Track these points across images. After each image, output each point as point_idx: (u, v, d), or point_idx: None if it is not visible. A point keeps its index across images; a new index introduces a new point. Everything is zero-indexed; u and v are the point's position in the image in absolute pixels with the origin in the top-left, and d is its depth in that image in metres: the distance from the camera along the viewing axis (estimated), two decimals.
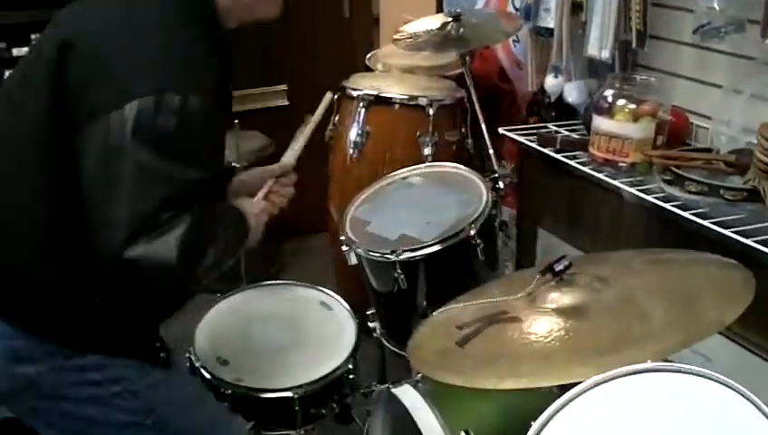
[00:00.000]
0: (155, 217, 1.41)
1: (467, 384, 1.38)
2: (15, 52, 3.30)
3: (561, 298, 1.53)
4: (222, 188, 1.83)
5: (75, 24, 1.60)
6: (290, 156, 2.04)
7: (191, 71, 1.50)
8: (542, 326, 1.46)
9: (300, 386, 1.98)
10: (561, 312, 1.49)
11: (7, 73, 3.23)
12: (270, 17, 1.77)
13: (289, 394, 1.97)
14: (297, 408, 1.98)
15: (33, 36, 3.29)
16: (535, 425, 1.18)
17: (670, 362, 1.67)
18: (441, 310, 1.72)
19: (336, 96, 2.94)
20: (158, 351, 1.73)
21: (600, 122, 2.14)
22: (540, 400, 1.26)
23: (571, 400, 1.19)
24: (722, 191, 1.85)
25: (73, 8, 1.64)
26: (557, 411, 1.19)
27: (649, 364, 1.21)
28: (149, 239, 1.39)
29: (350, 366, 2.07)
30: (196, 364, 2.01)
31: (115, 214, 1.41)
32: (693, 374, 1.17)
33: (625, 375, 1.20)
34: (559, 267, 1.50)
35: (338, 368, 2.05)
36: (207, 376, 1.98)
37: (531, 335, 1.44)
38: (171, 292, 1.67)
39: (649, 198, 2.01)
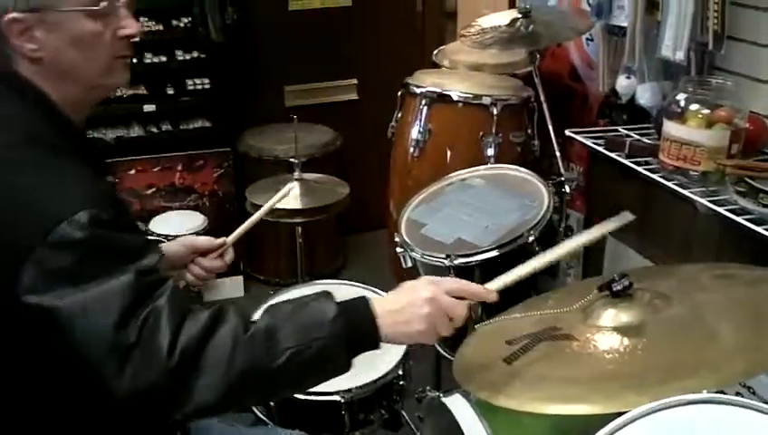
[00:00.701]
0: (122, 342, 1.23)
1: (512, 406, 1.32)
2: None
3: (617, 316, 1.45)
4: None
5: None
6: (231, 237, 1.91)
7: (63, 194, 1.31)
8: (595, 346, 1.38)
9: (348, 390, 1.94)
10: (617, 331, 1.41)
11: None
12: (122, 85, 1.60)
13: (337, 398, 1.94)
14: (345, 413, 1.95)
15: None
16: None
17: (744, 386, 1.58)
18: (491, 321, 1.65)
19: (400, 93, 2.91)
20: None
21: (670, 128, 2.03)
22: (595, 420, 1.19)
23: (619, 428, 1.12)
24: None
25: None
26: None
27: (704, 395, 1.13)
28: (138, 361, 1.23)
29: (400, 372, 2.02)
30: None
31: (94, 364, 1.24)
32: (751, 409, 1.08)
33: (677, 405, 1.11)
34: (617, 287, 1.42)
35: (388, 373, 2.00)
36: None
37: (582, 356, 1.37)
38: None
39: (721, 209, 1.90)
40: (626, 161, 2.24)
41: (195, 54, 3.48)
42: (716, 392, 1.15)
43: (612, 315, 1.45)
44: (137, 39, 1.50)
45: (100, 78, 1.47)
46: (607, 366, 1.34)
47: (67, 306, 1.23)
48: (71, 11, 1.39)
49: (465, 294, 1.41)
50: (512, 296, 1.86)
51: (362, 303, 1.38)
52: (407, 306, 1.38)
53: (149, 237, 1.41)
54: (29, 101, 1.42)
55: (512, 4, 3.32)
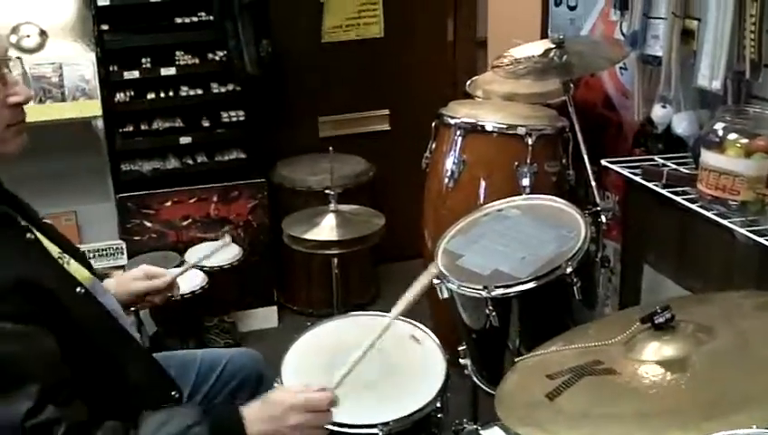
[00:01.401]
0: None
1: None
2: (127, 75, 3.39)
3: (660, 349, 1.43)
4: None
5: None
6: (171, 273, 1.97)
7: None
8: (638, 381, 1.37)
9: (386, 423, 1.91)
10: (660, 365, 1.40)
11: (119, 96, 3.37)
12: (16, 152, 1.55)
13: (375, 431, 1.91)
14: None
15: (143, 60, 3.39)
16: None
17: None
18: (532, 354, 1.64)
19: (434, 123, 2.92)
20: None
21: (709, 157, 2.02)
22: None
23: None
24: None
25: None
26: None
27: (754, 430, 1.11)
28: None
29: (438, 405, 2.00)
30: None
31: None
32: None
33: None
34: (659, 320, 1.41)
35: (426, 406, 1.98)
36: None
37: (625, 391, 1.35)
38: None
39: (762, 239, 1.88)
40: (663, 191, 2.23)
41: (230, 87, 3.52)
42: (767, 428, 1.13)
43: (655, 349, 1.44)
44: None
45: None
46: (650, 402, 1.32)
47: None
48: None
49: (320, 405, 1.62)
50: (550, 328, 1.85)
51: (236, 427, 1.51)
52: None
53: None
54: None
55: (543, 35, 3.33)
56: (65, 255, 1.66)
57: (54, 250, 1.63)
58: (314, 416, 1.61)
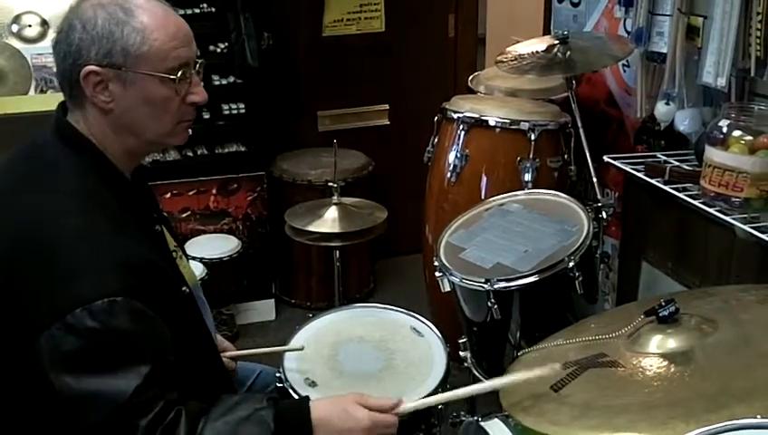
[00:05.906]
0: None
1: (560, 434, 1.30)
2: None
3: (664, 342, 1.44)
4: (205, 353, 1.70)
5: None
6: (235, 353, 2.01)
7: (92, 274, 1.37)
8: (642, 373, 1.37)
9: None
10: (664, 357, 1.40)
11: None
12: (180, 144, 1.65)
13: None
14: None
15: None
16: None
17: None
18: (535, 347, 1.65)
19: (436, 118, 2.92)
20: None
21: (713, 154, 2.03)
22: None
23: None
24: None
25: None
26: None
27: (758, 420, 1.11)
28: None
29: None
30: (285, 385, 1.99)
31: None
32: None
33: (728, 430, 1.10)
34: (664, 313, 1.41)
35: (426, 397, 1.98)
36: (295, 398, 1.95)
37: (629, 383, 1.36)
38: None
39: (764, 236, 1.89)
40: (666, 187, 2.23)
41: (231, 79, 3.51)
42: None
43: (659, 341, 1.45)
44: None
45: (162, 137, 1.56)
46: (654, 394, 1.32)
47: (63, 391, 1.34)
48: (147, 74, 1.47)
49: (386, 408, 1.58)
50: (551, 322, 1.86)
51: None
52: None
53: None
54: (84, 154, 1.49)
55: (546, 31, 3.34)
56: (178, 249, 1.73)
57: (171, 243, 1.69)
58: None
